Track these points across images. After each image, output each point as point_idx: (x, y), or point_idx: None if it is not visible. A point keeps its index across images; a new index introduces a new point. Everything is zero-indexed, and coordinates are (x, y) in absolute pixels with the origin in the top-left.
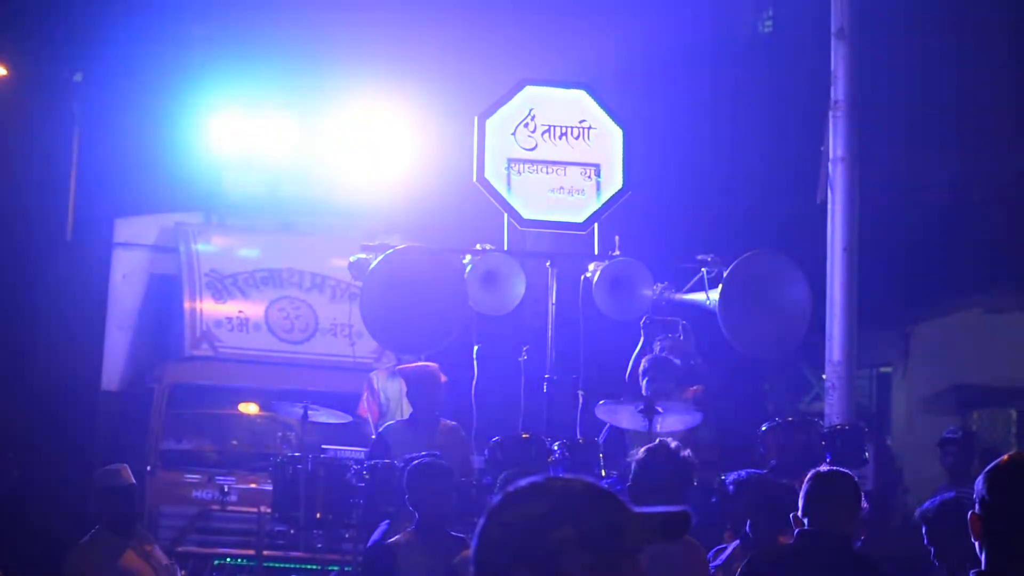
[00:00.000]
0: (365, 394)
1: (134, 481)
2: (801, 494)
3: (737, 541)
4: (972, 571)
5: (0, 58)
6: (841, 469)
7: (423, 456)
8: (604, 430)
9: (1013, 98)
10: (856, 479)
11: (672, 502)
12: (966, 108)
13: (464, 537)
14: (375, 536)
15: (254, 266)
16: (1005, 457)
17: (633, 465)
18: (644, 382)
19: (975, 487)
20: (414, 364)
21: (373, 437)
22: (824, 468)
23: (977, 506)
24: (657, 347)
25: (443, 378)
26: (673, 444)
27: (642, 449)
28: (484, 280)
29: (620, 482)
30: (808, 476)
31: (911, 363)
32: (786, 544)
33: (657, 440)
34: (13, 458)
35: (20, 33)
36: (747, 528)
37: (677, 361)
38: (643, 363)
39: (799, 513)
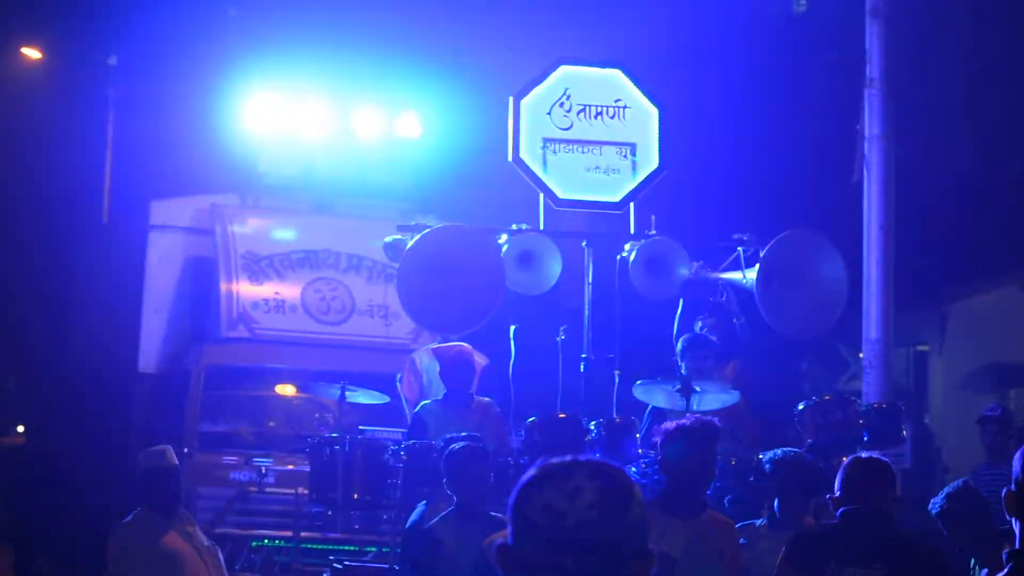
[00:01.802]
0: (407, 374)
1: (178, 463)
2: (839, 477)
3: (764, 519)
4: (1006, 550)
5: (34, 42)
6: (880, 456)
7: (461, 438)
8: (647, 411)
9: None
10: (892, 466)
11: (701, 476)
12: (1003, 86)
13: (502, 517)
14: (413, 517)
15: (290, 247)
16: None
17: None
18: (683, 362)
19: (1012, 465)
20: (446, 344)
21: (409, 417)
22: (864, 454)
23: (1013, 484)
24: (699, 325)
25: (482, 359)
26: (695, 421)
27: (669, 424)
28: (520, 260)
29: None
30: (846, 461)
31: (948, 342)
32: (829, 523)
33: (685, 418)
34: (48, 428)
35: (54, 17)
36: (775, 507)
37: (714, 338)
38: (680, 343)
39: (836, 495)
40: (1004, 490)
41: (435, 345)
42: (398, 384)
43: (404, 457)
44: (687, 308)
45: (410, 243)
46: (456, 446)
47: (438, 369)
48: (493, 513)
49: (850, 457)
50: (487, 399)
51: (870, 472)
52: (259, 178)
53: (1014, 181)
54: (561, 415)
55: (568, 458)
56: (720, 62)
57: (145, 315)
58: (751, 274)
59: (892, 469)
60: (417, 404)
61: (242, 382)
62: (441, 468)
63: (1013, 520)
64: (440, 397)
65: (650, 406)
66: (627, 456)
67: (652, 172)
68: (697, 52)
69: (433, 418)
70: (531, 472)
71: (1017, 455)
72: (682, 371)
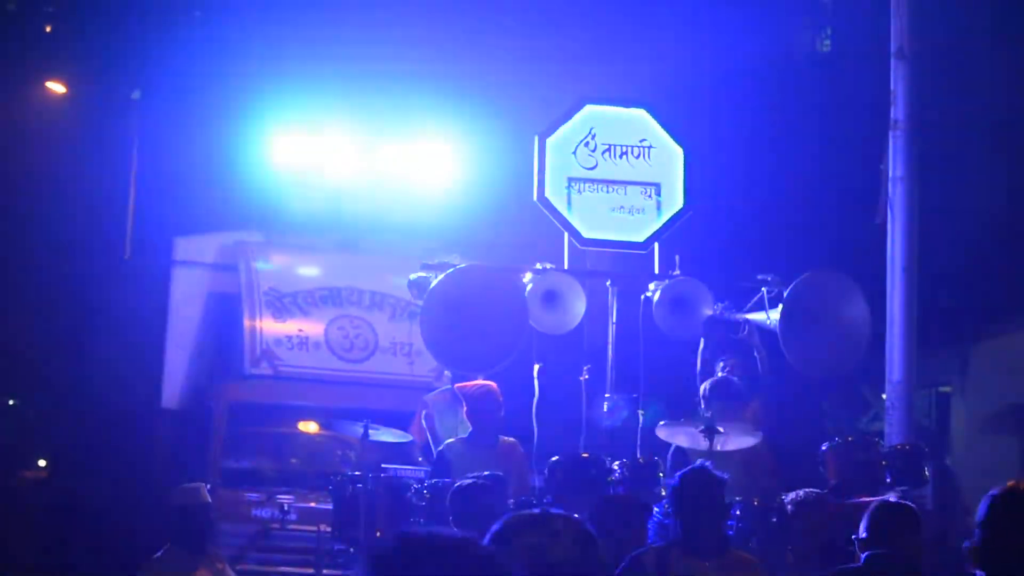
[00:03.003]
0: (416, 416)
1: (210, 500)
2: (865, 520)
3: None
4: None
5: (58, 76)
6: (907, 503)
7: (471, 477)
8: (670, 451)
9: None
10: (918, 513)
11: (712, 521)
12: None
13: None
14: None
15: (314, 284)
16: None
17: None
18: (708, 405)
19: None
20: (472, 383)
21: (431, 456)
22: (891, 498)
23: (977, 538)
24: (720, 365)
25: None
26: (706, 465)
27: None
28: (544, 299)
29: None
30: (874, 505)
31: (970, 382)
32: (853, 566)
33: (696, 463)
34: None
35: (78, 51)
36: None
37: (736, 379)
38: (704, 388)
39: (862, 536)
40: (966, 543)
41: (446, 388)
42: (423, 423)
43: (426, 495)
44: (709, 348)
45: (434, 281)
46: (464, 483)
47: (451, 409)
48: None
49: (878, 501)
50: (512, 439)
51: (898, 517)
52: (284, 215)
53: None
54: (584, 454)
55: (538, 510)
56: (744, 101)
57: (168, 351)
58: (775, 314)
59: (919, 516)
60: (425, 446)
61: (265, 419)
62: (447, 506)
63: (977, 572)
64: (462, 436)
65: (673, 446)
66: (650, 496)
67: (677, 212)
68: (721, 92)
69: (457, 456)
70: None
71: (981, 506)
72: (706, 414)
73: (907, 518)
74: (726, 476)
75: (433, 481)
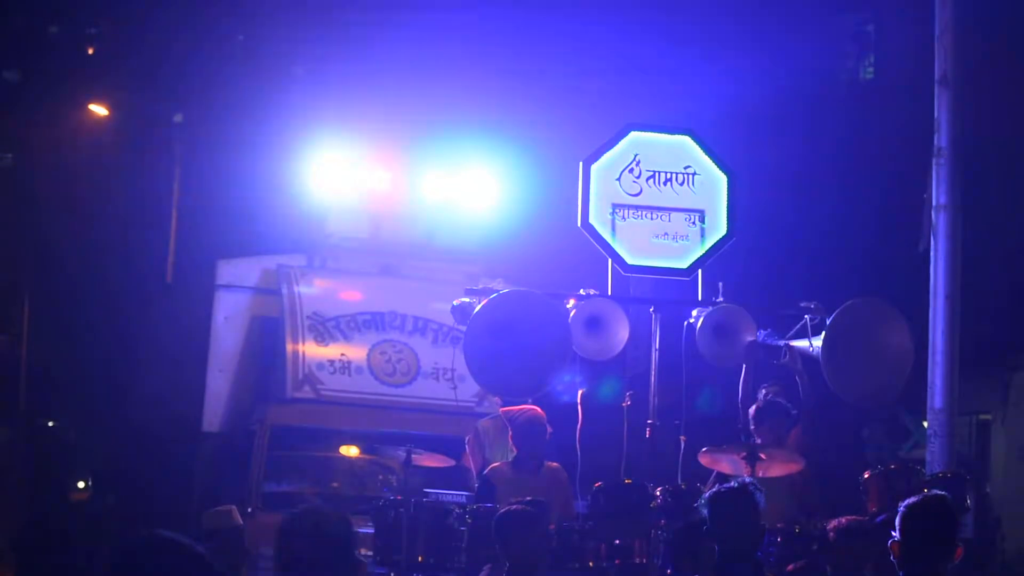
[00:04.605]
0: (471, 444)
1: (242, 523)
2: (897, 525)
3: None
4: None
5: (101, 99)
6: (937, 492)
7: (515, 503)
8: (711, 477)
9: None
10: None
11: (749, 539)
12: None
13: None
14: None
15: (356, 309)
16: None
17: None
18: (758, 428)
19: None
20: (518, 407)
21: (476, 483)
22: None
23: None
24: (762, 394)
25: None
26: (732, 485)
27: (708, 491)
28: (588, 325)
29: None
30: (903, 505)
31: (1010, 410)
32: None
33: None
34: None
35: (121, 75)
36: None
37: (784, 402)
38: (756, 409)
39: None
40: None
41: (495, 415)
42: (467, 453)
43: (469, 520)
44: (752, 374)
45: (477, 307)
46: (507, 508)
47: (509, 433)
48: None
49: (905, 503)
50: (556, 464)
51: (926, 521)
52: (326, 239)
53: None
54: (627, 480)
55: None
56: (788, 129)
57: (210, 374)
58: (817, 342)
59: (951, 509)
60: (480, 471)
61: (307, 443)
62: (492, 531)
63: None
64: (509, 460)
65: (715, 472)
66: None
67: (720, 239)
68: (764, 119)
69: (501, 481)
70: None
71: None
72: (755, 439)
73: (938, 514)
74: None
75: (475, 506)
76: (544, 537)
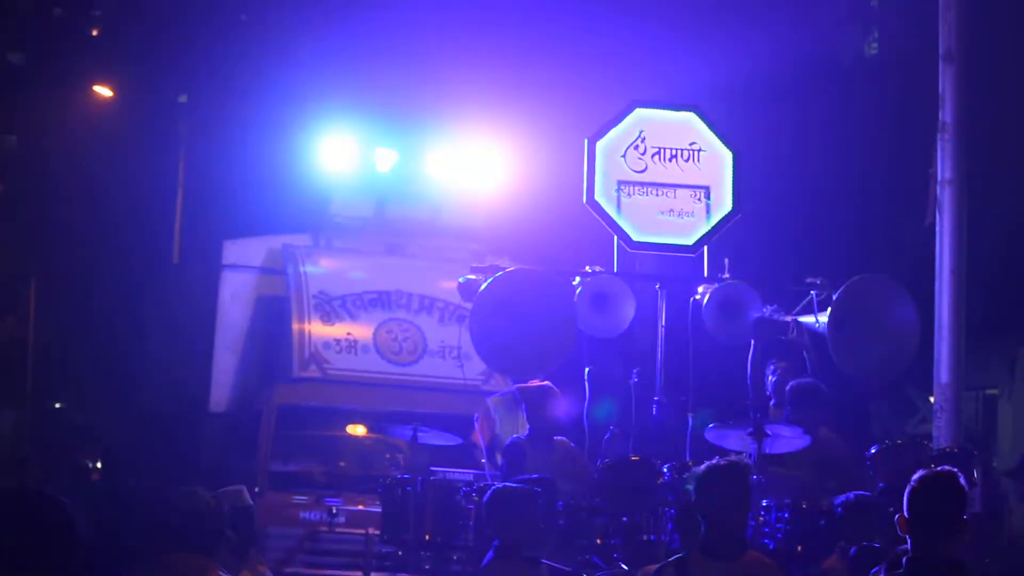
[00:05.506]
0: (481, 419)
1: (252, 503)
2: (905, 501)
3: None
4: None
5: (105, 80)
6: (947, 468)
7: (517, 480)
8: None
9: None
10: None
11: (737, 517)
12: None
13: (548, 563)
14: (487, 559)
15: (363, 288)
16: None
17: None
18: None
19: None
20: (531, 383)
21: (485, 459)
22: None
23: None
24: (771, 369)
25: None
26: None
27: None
28: (594, 302)
29: None
30: (913, 480)
31: (1016, 385)
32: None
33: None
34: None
35: (125, 56)
36: (852, 552)
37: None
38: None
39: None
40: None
41: (505, 390)
42: (477, 429)
43: (476, 498)
44: (759, 351)
45: (483, 285)
46: (498, 487)
47: (522, 408)
48: (548, 561)
49: (916, 477)
50: (563, 438)
51: (934, 500)
52: (332, 218)
53: None
54: (634, 457)
55: None
56: (792, 105)
57: (217, 354)
58: (823, 318)
59: (959, 486)
60: (490, 447)
61: (313, 422)
62: (482, 509)
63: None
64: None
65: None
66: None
67: (726, 215)
68: (768, 95)
69: (519, 453)
70: None
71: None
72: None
73: (945, 491)
74: (755, 477)
75: (482, 484)
76: (537, 517)
